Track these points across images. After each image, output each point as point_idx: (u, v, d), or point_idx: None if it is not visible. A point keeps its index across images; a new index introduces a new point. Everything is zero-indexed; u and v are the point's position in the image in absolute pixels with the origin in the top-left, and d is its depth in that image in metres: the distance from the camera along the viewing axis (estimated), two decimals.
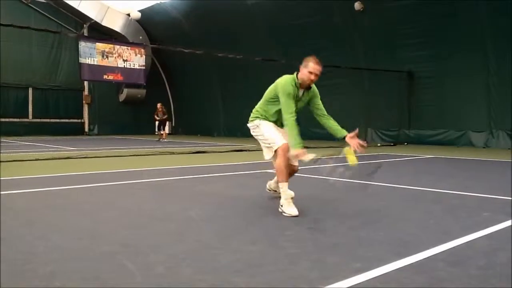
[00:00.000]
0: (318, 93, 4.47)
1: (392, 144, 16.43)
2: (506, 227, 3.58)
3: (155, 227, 3.57)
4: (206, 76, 24.35)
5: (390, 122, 17.58)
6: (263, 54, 18.07)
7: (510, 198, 4.91)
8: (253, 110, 4.50)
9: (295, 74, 4.25)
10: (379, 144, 16.42)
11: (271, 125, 4.34)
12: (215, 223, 3.76)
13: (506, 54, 14.02)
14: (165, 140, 19.10)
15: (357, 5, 16.71)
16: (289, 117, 4.08)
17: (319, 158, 3.98)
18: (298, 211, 3.99)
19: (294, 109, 4.13)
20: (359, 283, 2.32)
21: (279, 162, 4.14)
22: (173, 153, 11.68)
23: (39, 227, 3.56)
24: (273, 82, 4.31)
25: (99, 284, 2.30)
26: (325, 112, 4.46)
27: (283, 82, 4.20)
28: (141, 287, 2.27)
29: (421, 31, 15.79)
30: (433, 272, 2.50)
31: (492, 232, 3.41)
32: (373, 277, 2.40)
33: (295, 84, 4.19)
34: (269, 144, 4.27)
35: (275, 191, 4.73)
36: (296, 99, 4.23)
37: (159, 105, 20.18)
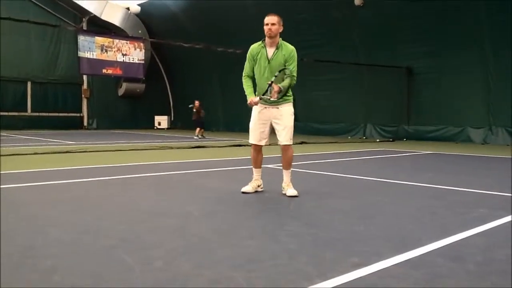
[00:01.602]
0: (293, 55, 4.63)
1: (391, 140, 16.45)
2: (504, 223, 3.59)
3: (154, 222, 3.57)
4: (205, 71, 24.31)
5: (389, 118, 17.59)
6: None
7: (508, 195, 4.92)
8: None
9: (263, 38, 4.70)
10: (378, 140, 16.44)
11: (254, 117, 4.78)
12: (214, 218, 3.76)
13: (505, 50, 14.03)
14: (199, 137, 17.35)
15: (357, 0, 16.67)
16: (243, 77, 4.79)
17: (262, 97, 4.53)
18: (295, 207, 4.00)
19: (248, 70, 4.75)
20: (357, 278, 2.33)
21: (251, 152, 4.94)
22: (172, 147, 11.68)
23: (38, 221, 3.56)
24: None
25: (98, 278, 2.30)
26: (290, 73, 4.54)
27: (250, 47, 4.77)
28: (140, 281, 2.28)
29: (421, 27, 15.78)
30: (431, 267, 2.51)
31: (490, 228, 3.42)
32: (371, 272, 2.41)
33: (261, 44, 4.67)
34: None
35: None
36: (266, 59, 4.59)
37: (197, 102, 18.01)
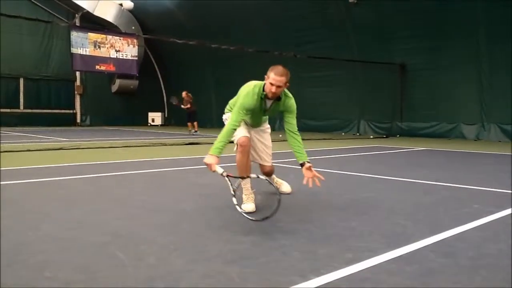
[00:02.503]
0: (293, 109, 3.91)
1: (385, 136, 16.50)
2: (496, 219, 3.61)
3: (147, 218, 3.56)
4: (200, 67, 24.26)
5: (383, 115, 17.64)
6: (257, 45, 18.01)
7: (500, 190, 4.94)
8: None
9: (263, 82, 3.82)
10: (371, 137, 16.48)
11: (241, 128, 4.06)
12: (207, 214, 3.75)
13: (498, 46, 14.09)
14: (197, 131, 17.33)
15: None
16: (230, 123, 3.72)
17: (227, 176, 3.45)
18: (289, 204, 3.99)
19: (240, 120, 3.78)
20: (351, 274, 2.34)
21: (237, 157, 4.04)
22: (165, 144, 11.65)
23: (30, 217, 3.54)
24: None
25: (90, 275, 2.29)
26: (295, 130, 3.87)
27: (245, 93, 3.83)
28: (132, 277, 2.27)
29: (415, 24, 15.80)
30: (424, 263, 2.52)
31: (483, 224, 3.44)
32: (364, 268, 2.42)
33: (260, 94, 3.79)
34: (233, 138, 4.01)
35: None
36: (261, 109, 3.88)
37: (184, 93, 17.65)
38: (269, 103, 3.89)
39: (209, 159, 3.49)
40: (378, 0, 16.20)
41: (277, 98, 3.81)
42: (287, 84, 3.75)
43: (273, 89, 3.66)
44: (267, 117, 4.18)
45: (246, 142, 4.01)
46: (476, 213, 3.81)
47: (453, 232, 3.17)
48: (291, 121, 3.88)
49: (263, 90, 3.79)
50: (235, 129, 3.76)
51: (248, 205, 3.86)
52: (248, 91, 3.83)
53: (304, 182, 3.59)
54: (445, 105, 15.71)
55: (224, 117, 4.28)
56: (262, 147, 4.28)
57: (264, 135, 4.32)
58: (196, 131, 17.52)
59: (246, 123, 4.16)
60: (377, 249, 2.75)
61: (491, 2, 13.86)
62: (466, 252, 2.72)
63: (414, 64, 16.47)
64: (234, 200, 3.31)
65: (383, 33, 16.77)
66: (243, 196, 3.94)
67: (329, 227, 3.35)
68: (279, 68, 3.66)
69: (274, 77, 3.65)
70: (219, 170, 3.45)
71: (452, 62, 15.27)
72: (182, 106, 17.62)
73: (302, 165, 3.68)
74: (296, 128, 3.88)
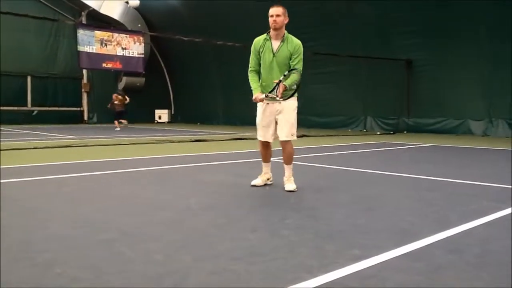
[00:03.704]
0: (298, 50, 4.51)
1: (392, 132, 16.44)
2: (503, 215, 3.59)
3: (154, 215, 3.57)
4: (205, 64, 24.25)
5: (389, 111, 17.55)
6: None
7: (508, 187, 4.91)
8: None
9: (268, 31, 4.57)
10: (378, 133, 16.42)
11: (259, 113, 4.70)
12: (214, 211, 3.76)
13: (505, 42, 13.96)
14: (118, 129, 18.20)
15: None
16: (249, 71, 4.65)
17: (268, 95, 4.37)
18: (296, 200, 3.99)
19: (253, 64, 4.61)
20: (358, 270, 2.33)
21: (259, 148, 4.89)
22: (172, 141, 11.67)
23: (38, 215, 3.56)
24: None
25: (97, 272, 2.30)
26: (294, 67, 4.43)
27: (254, 41, 4.63)
28: (140, 274, 2.28)
29: (420, 19, 15.70)
30: (431, 259, 2.51)
31: (490, 221, 3.42)
32: (371, 265, 2.41)
33: (266, 38, 4.54)
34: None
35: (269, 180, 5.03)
36: (272, 52, 4.49)
37: (114, 95, 19.00)
38: (275, 44, 4.49)
39: (255, 94, 4.50)
40: None
41: (282, 39, 4.46)
42: (286, 18, 4.47)
43: (273, 18, 4.39)
44: (285, 76, 4.38)
45: (263, 144, 4.79)
46: (484, 209, 3.79)
47: (460, 229, 3.16)
48: (295, 60, 4.46)
49: (268, 34, 4.54)
50: (253, 72, 4.62)
51: (256, 180, 4.85)
52: (256, 38, 4.63)
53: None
54: (452, 101, 15.61)
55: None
56: (280, 122, 4.63)
57: (285, 110, 4.58)
58: (117, 129, 18.20)
59: (264, 112, 4.64)
60: (384, 245, 2.74)
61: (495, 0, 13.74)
62: (473, 249, 2.71)
63: (420, 60, 16.37)
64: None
65: (387, 29, 16.67)
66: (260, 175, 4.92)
67: (336, 223, 3.34)
68: (275, 4, 4.45)
69: (271, 9, 4.43)
70: (262, 96, 4.45)
71: (459, 57, 15.16)
72: (108, 106, 19.22)
73: (271, 91, 4.36)
74: (300, 67, 4.45)
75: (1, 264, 2.37)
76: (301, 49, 4.53)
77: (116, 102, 18.72)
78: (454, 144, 11.21)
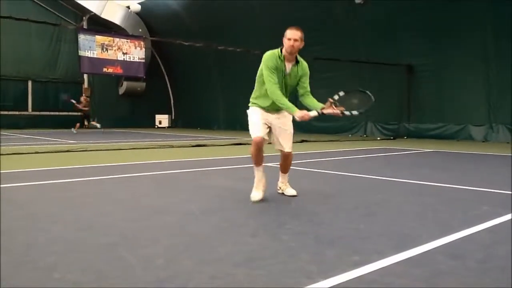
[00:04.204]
0: (308, 72, 4.43)
1: (392, 137, 16.44)
2: (505, 221, 3.59)
3: (155, 220, 3.57)
4: (206, 69, 24.30)
5: (390, 116, 17.56)
6: (263, 46, 17.86)
7: (509, 192, 4.91)
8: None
9: (279, 48, 4.29)
10: (378, 138, 16.43)
11: (257, 114, 4.43)
12: (215, 216, 3.76)
13: (506, 47, 13.99)
14: (75, 132, 19.08)
15: None
16: (271, 87, 4.17)
17: (320, 112, 4.15)
18: (296, 206, 3.99)
19: (276, 80, 4.21)
20: (359, 276, 2.33)
21: (251, 149, 4.39)
22: (172, 146, 11.68)
23: (39, 219, 3.57)
24: None
25: (98, 276, 2.30)
26: (308, 90, 4.41)
27: (267, 56, 4.27)
28: (141, 278, 2.28)
29: (421, 24, 15.74)
30: (432, 265, 2.51)
31: (491, 226, 3.42)
32: (372, 270, 2.41)
33: (279, 57, 4.23)
34: (250, 134, 4.42)
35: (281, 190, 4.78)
36: (283, 73, 4.27)
37: (82, 97, 20.47)
38: (288, 66, 4.28)
39: (300, 113, 4.07)
40: (384, 0, 16.14)
41: (296, 61, 4.27)
42: (303, 42, 4.20)
43: (291, 42, 4.12)
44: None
45: (260, 141, 4.31)
46: (485, 215, 3.79)
47: (461, 234, 3.16)
48: (307, 84, 4.38)
49: (281, 53, 4.24)
50: (277, 86, 4.19)
51: (255, 194, 4.36)
52: (269, 54, 4.27)
53: (331, 110, 4.14)
54: (453, 106, 15.62)
55: (248, 111, 4.56)
56: (282, 133, 4.47)
57: (285, 121, 4.47)
58: (75, 132, 18.84)
59: (264, 109, 4.40)
60: (385, 251, 2.74)
61: (498, 3, 13.78)
62: (475, 254, 2.71)
63: (421, 65, 16.40)
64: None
65: (389, 34, 16.71)
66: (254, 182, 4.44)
67: (336, 229, 3.34)
68: (294, 27, 4.18)
69: (291, 31, 4.15)
70: (313, 113, 4.17)
71: (460, 63, 15.19)
72: (79, 106, 19.91)
73: (322, 109, 4.16)
74: (309, 88, 4.39)
75: (3, 268, 2.37)
76: (308, 71, 4.46)
77: (84, 107, 19.85)
78: (455, 150, 11.21)
